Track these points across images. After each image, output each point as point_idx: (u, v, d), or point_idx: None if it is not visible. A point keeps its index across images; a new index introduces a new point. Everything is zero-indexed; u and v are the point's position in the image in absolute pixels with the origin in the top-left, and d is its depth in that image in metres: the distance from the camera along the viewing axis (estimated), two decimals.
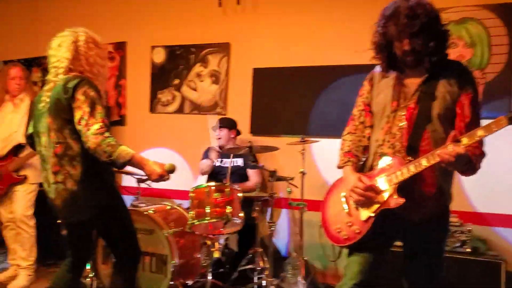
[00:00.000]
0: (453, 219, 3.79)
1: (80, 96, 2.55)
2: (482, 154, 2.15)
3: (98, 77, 2.79)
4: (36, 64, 6.26)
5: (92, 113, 2.52)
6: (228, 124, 4.78)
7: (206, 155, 4.87)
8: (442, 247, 2.37)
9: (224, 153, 4.75)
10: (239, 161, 4.73)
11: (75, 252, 2.89)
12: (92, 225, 2.80)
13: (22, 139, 4.24)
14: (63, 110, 2.60)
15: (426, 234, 2.27)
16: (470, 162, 2.08)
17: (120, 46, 5.77)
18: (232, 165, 4.68)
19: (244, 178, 4.69)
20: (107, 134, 2.50)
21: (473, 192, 4.18)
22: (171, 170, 2.65)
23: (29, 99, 4.41)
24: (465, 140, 1.96)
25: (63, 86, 2.60)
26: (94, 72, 2.78)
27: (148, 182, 4.31)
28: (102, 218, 2.71)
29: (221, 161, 4.78)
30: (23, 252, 4.33)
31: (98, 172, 2.66)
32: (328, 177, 4.63)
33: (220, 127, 4.75)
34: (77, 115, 2.54)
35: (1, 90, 4.48)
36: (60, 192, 2.63)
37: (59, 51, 2.75)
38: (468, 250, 3.71)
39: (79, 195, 2.61)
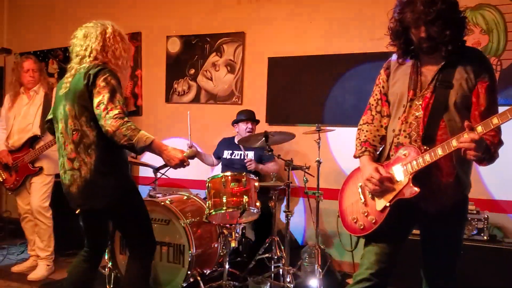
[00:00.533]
0: (470, 206, 3.78)
1: (100, 82, 2.56)
2: (500, 143, 2.13)
3: (121, 70, 2.80)
4: (52, 56, 6.33)
5: (111, 99, 2.52)
6: (255, 118, 4.80)
7: (219, 147, 4.90)
8: (459, 237, 2.35)
9: (235, 145, 4.76)
10: (250, 154, 4.72)
11: (91, 241, 2.91)
12: (107, 214, 2.81)
13: (37, 131, 4.30)
14: (82, 97, 2.60)
15: (444, 224, 2.26)
16: (488, 151, 2.06)
17: (135, 37, 5.80)
18: (242, 157, 4.68)
19: (255, 171, 4.63)
20: (126, 119, 2.51)
21: (490, 180, 4.17)
22: (192, 156, 2.65)
23: (43, 90, 4.44)
24: (479, 129, 1.94)
25: (84, 73, 2.61)
26: (118, 65, 2.78)
27: (166, 171, 4.33)
28: (116, 207, 2.70)
29: (232, 153, 4.79)
30: (41, 243, 4.40)
31: (113, 162, 2.67)
32: (344, 166, 4.65)
33: (253, 120, 4.75)
34: (96, 99, 2.53)
35: (15, 83, 4.47)
36: (75, 179, 2.65)
37: (85, 41, 2.74)
38: (485, 237, 3.70)
39: (94, 184, 2.62)
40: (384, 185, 2.22)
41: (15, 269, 4.53)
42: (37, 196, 4.33)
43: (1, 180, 4.44)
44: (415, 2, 2.10)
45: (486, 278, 3.52)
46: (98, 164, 2.61)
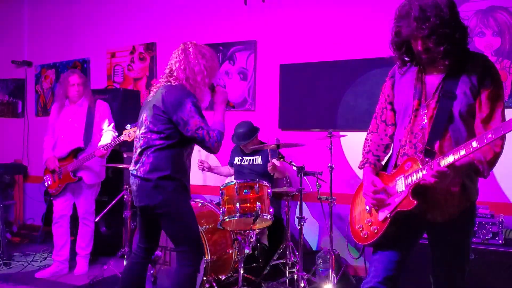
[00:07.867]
0: (484, 210, 3.76)
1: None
2: (495, 158, 2.08)
3: (200, 85, 3.01)
4: (71, 68, 6.44)
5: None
6: (248, 136, 4.69)
7: (232, 155, 4.95)
8: (467, 243, 2.32)
9: (244, 152, 4.82)
10: (258, 159, 4.74)
11: (144, 238, 3.15)
12: (157, 212, 2.95)
13: (80, 143, 4.57)
14: (157, 109, 2.90)
15: (451, 232, 2.25)
16: (476, 171, 2.06)
17: (150, 47, 5.90)
18: (250, 163, 4.73)
19: (264, 176, 4.57)
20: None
21: (505, 183, 4.10)
22: None
23: (87, 103, 4.68)
24: (474, 143, 1.88)
25: (163, 90, 2.92)
26: (197, 80, 2.99)
27: None
28: (166, 207, 2.91)
29: (242, 159, 4.82)
30: (83, 242, 4.74)
31: (168, 165, 2.89)
32: (358, 171, 4.65)
33: (241, 143, 4.72)
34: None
35: (62, 96, 4.71)
36: (135, 179, 2.95)
37: (172, 60, 3.05)
38: (500, 241, 3.67)
39: (147, 182, 2.88)
40: (377, 198, 2.23)
41: (38, 275, 4.66)
42: (85, 202, 4.67)
43: (46, 185, 4.69)
44: (409, 17, 2.06)
45: (501, 282, 3.50)
46: (153, 166, 2.88)
